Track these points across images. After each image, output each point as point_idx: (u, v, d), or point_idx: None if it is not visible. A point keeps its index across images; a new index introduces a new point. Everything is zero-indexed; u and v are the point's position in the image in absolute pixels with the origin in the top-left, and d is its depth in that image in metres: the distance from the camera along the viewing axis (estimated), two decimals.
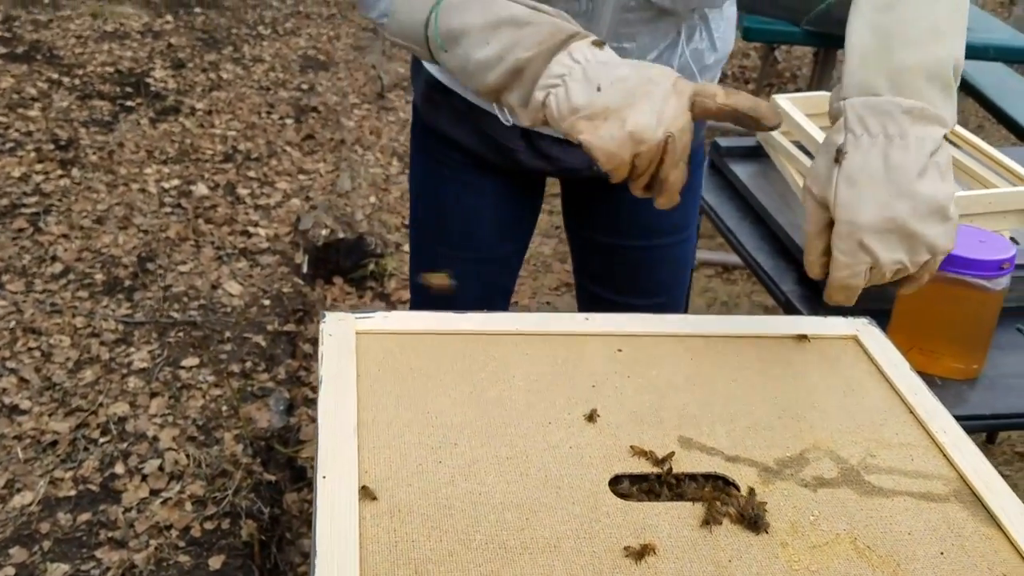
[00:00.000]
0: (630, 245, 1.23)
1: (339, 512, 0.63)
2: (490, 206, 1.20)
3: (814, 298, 1.28)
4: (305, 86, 3.69)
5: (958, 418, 1.09)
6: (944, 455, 0.78)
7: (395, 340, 0.82)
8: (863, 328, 0.93)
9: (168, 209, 2.72)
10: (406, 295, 2.68)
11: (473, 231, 1.21)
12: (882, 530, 0.70)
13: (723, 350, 0.89)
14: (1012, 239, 1.32)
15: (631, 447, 0.74)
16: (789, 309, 1.30)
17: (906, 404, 0.83)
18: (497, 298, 1.30)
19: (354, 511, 0.64)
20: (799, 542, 0.68)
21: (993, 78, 3.03)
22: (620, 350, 0.87)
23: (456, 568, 0.61)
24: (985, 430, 1.15)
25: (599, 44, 0.75)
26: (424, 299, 1.28)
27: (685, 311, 1.42)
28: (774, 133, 1.59)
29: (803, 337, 0.91)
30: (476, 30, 0.75)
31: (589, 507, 0.68)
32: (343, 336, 0.81)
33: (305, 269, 2.63)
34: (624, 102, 0.72)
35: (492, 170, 1.15)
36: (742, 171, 1.60)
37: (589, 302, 1.32)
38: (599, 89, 0.72)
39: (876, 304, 1.23)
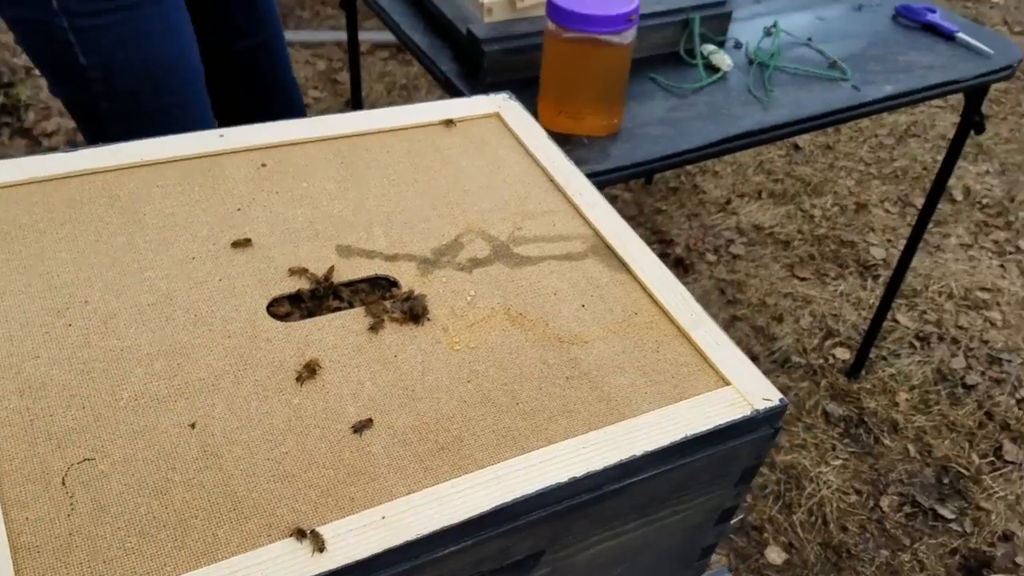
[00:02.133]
0: None
1: None
2: (185, 16, 1.15)
3: (471, 74, 1.29)
4: None
5: (605, 172, 1.19)
6: (581, 216, 0.84)
7: None
8: (504, 104, 0.95)
9: None
10: (50, 126, 2.35)
11: (191, 53, 1.15)
12: (532, 296, 0.75)
13: (372, 147, 0.87)
14: None
15: (289, 269, 0.72)
16: (449, 87, 1.30)
17: (546, 174, 0.88)
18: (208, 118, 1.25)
19: None
20: (459, 323, 0.72)
21: None
22: (264, 164, 0.82)
23: (104, 431, 0.58)
24: (628, 179, 1.26)
25: None
26: None
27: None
28: None
29: (450, 122, 0.91)
30: None
31: (247, 337, 0.66)
32: None
33: None
34: None
35: None
36: None
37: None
38: None
39: (526, 72, 1.27)
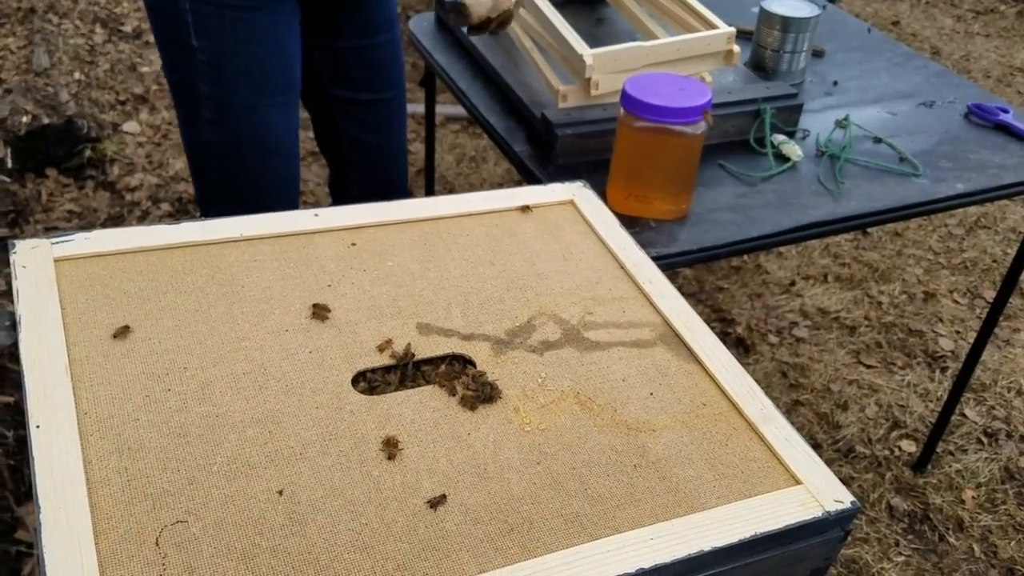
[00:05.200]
0: (373, 43, 1.47)
1: (60, 463, 0.60)
2: (295, 38, 1.30)
3: (543, 156, 1.33)
4: None
5: (671, 255, 1.21)
6: (651, 303, 0.86)
7: (101, 263, 0.76)
8: (578, 192, 0.99)
9: None
10: (133, 181, 2.47)
11: (291, 69, 1.31)
12: (600, 381, 0.77)
13: (453, 231, 0.91)
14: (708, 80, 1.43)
15: (376, 346, 0.76)
16: (521, 168, 1.35)
17: (617, 260, 0.91)
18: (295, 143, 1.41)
19: (77, 459, 0.61)
20: (529, 404, 0.74)
21: None
22: (354, 244, 0.86)
23: (197, 494, 0.61)
24: (695, 263, 1.28)
25: None
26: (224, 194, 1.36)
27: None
28: None
29: (526, 208, 0.95)
30: None
31: (332, 409, 0.69)
32: (39, 266, 0.74)
33: (10, 164, 2.34)
34: None
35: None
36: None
37: (339, 104, 1.52)
38: None
39: (596, 155, 1.31)
